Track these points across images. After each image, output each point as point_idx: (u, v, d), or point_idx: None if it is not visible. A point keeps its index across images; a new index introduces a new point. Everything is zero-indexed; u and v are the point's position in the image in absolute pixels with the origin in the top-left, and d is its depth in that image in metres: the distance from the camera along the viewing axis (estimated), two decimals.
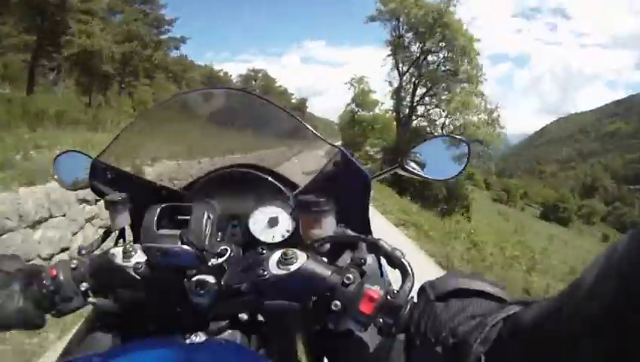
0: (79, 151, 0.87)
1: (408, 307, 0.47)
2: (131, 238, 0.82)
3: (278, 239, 0.77)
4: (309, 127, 0.81)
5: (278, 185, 0.83)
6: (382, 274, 0.71)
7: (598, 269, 0.26)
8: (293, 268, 0.54)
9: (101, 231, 0.76)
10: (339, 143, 0.86)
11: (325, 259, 0.59)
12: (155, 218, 0.60)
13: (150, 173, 0.92)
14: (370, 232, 0.75)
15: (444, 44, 21.25)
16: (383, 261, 0.58)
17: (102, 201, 0.76)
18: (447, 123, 22.34)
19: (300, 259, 0.54)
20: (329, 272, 0.53)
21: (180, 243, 0.57)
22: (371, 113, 24.00)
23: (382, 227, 7.46)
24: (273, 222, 0.78)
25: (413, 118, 22.60)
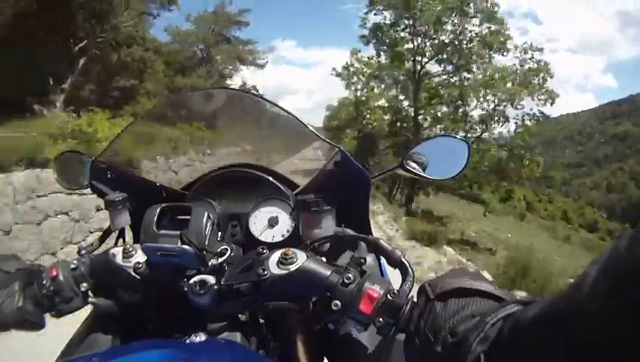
0: (79, 152, 0.87)
1: (408, 306, 0.47)
2: (131, 238, 0.82)
3: (278, 239, 0.77)
4: (309, 127, 0.81)
5: (278, 184, 0.83)
6: (382, 274, 0.71)
7: (598, 269, 0.26)
8: (293, 268, 0.53)
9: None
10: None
11: (325, 259, 0.59)
12: (155, 218, 0.60)
13: (150, 173, 0.92)
14: (370, 232, 0.75)
15: None
16: (383, 260, 0.58)
17: None
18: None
19: (300, 259, 0.54)
20: (329, 272, 0.53)
21: (179, 243, 0.57)
22: None
23: None
24: (273, 222, 0.78)
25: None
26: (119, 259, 0.62)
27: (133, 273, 0.60)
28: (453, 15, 15.81)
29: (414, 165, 0.80)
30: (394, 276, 0.60)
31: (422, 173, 0.81)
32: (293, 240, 0.74)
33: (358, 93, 19.72)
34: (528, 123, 15.80)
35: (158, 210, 0.60)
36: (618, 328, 0.23)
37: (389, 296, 0.48)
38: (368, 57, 18.70)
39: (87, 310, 0.66)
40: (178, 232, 0.58)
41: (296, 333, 0.66)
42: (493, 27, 15.74)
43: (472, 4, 15.63)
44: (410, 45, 17.01)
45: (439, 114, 17.67)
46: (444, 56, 16.72)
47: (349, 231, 0.64)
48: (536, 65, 15.53)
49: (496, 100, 16.03)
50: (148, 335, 0.60)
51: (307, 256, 0.55)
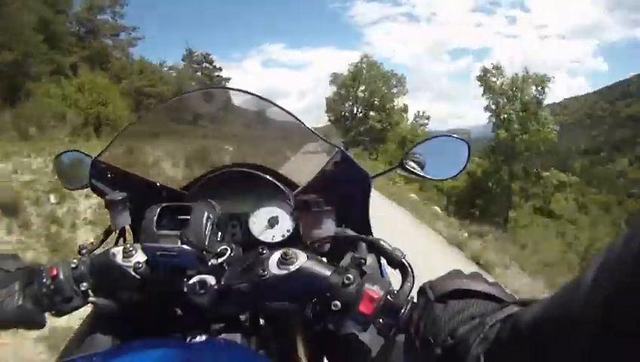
0: (79, 151, 0.87)
1: (408, 307, 0.47)
2: (131, 238, 0.82)
3: (278, 239, 0.77)
4: (309, 126, 0.81)
5: (278, 184, 0.83)
6: (382, 274, 0.71)
7: (596, 269, 0.25)
8: (293, 268, 0.53)
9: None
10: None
11: (325, 259, 0.59)
12: (155, 218, 0.59)
13: (150, 173, 0.92)
14: (370, 232, 0.75)
15: None
16: (383, 261, 0.58)
17: None
18: None
19: (300, 259, 0.54)
20: (329, 272, 0.53)
21: (179, 243, 0.57)
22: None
23: None
24: (273, 222, 0.78)
25: None
26: (119, 259, 0.61)
27: (133, 273, 0.60)
28: None
29: (413, 165, 0.80)
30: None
31: (421, 173, 0.81)
32: (293, 240, 0.74)
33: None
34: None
35: (158, 210, 0.60)
36: (617, 328, 0.23)
37: (388, 296, 0.48)
38: None
39: (87, 310, 0.66)
40: (178, 232, 0.58)
41: (296, 333, 0.66)
42: None
43: None
44: None
45: None
46: None
47: (349, 231, 0.64)
48: None
49: None
50: (148, 335, 0.60)
51: (307, 257, 0.55)
